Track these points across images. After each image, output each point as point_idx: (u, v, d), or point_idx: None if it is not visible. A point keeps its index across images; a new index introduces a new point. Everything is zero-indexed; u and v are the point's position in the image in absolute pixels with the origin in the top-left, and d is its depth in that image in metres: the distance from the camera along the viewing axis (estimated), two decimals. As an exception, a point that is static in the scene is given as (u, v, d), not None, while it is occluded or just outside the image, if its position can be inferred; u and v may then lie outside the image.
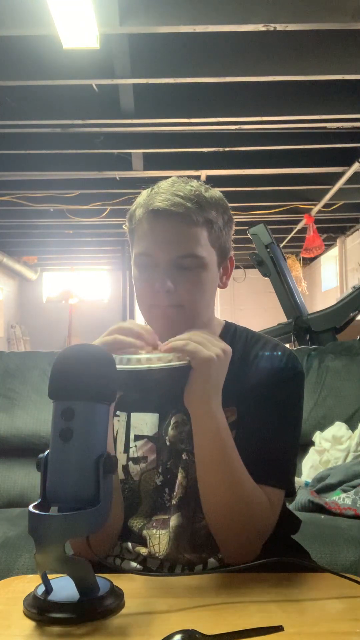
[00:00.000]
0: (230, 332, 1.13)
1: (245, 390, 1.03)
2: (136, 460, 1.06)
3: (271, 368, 1.05)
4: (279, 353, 1.07)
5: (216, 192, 1.07)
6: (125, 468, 1.07)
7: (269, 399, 1.03)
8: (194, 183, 1.06)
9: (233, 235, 1.11)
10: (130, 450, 1.07)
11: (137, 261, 1.06)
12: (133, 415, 1.09)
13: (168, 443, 1.05)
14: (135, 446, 1.07)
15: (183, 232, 1.01)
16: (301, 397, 1.09)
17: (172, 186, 1.03)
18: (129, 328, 0.96)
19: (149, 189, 1.06)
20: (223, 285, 1.12)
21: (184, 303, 1.02)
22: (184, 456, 1.03)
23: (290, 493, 1.04)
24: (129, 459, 1.07)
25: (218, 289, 1.12)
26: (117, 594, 0.79)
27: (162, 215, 1.01)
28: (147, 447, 1.07)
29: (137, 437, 1.07)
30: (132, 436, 1.08)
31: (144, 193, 1.06)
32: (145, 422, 1.08)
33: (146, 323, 1.11)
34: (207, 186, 1.07)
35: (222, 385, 0.96)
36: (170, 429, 1.06)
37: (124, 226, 1.11)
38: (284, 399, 1.04)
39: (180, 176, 1.08)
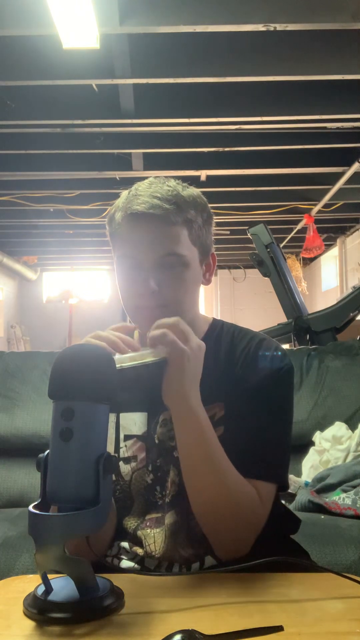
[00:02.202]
0: (217, 329, 1.13)
1: (232, 386, 1.03)
2: (127, 460, 1.07)
3: (258, 362, 1.05)
4: (267, 347, 1.07)
5: (194, 190, 1.08)
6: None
7: (257, 394, 1.03)
8: (172, 182, 1.06)
9: (214, 232, 1.12)
10: (121, 450, 1.08)
11: (120, 263, 1.07)
12: (122, 415, 1.09)
13: (157, 441, 1.06)
14: (125, 446, 1.08)
15: (163, 233, 1.02)
16: (290, 390, 1.09)
17: (150, 187, 1.04)
18: (105, 336, 0.94)
19: (127, 191, 1.07)
20: (206, 282, 1.12)
21: (168, 303, 1.02)
22: (175, 454, 1.03)
23: (283, 487, 1.04)
24: (119, 459, 1.07)
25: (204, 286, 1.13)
26: (117, 594, 0.79)
27: (141, 218, 1.01)
28: (137, 446, 1.07)
29: (127, 437, 1.08)
30: (121, 436, 1.08)
31: (123, 195, 1.07)
32: (134, 422, 1.08)
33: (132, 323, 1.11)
34: (185, 185, 1.08)
35: (199, 381, 0.95)
36: (158, 427, 1.06)
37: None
38: (271, 392, 1.04)
39: (157, 176, 1.09)
